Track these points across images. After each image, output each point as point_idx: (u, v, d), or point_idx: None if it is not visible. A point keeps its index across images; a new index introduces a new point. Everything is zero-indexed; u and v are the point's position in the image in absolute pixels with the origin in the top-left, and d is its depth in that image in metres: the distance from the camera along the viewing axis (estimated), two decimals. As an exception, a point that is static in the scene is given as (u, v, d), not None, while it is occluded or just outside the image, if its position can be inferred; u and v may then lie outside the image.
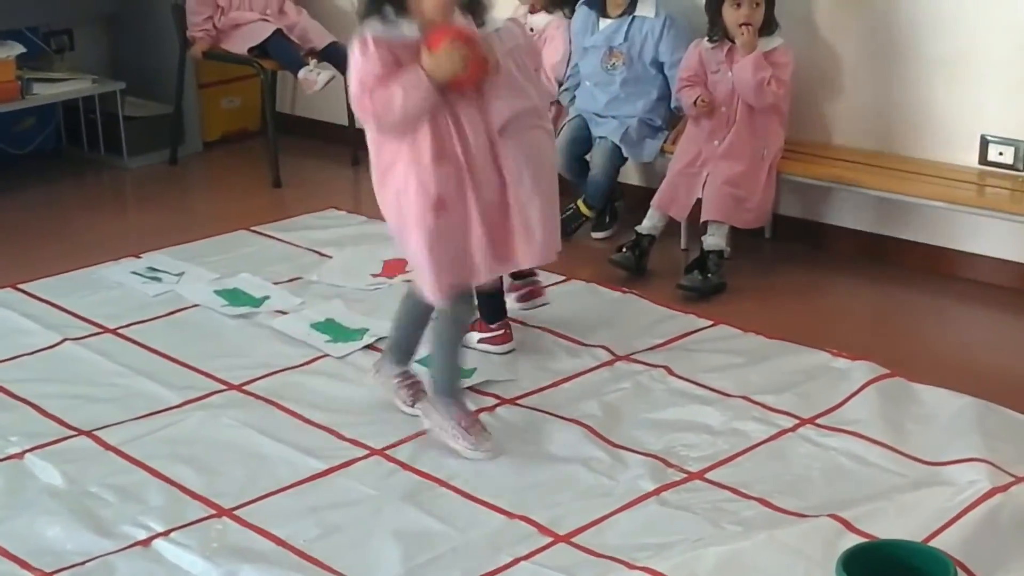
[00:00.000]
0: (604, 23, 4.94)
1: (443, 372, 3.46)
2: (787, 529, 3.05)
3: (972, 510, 3.08)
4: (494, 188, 3.24)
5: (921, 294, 4.45)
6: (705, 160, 4.64)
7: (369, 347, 4.06)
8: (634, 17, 4.89)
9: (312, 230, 5.16)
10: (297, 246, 4.98)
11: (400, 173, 3.20)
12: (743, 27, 4.52)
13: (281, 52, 5.78)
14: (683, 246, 4.89)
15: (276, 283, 4.58)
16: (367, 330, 4.16)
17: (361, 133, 5.85)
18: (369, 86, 3.11)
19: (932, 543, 2.93)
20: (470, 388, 3.67)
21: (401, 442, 3.48)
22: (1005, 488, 3.17)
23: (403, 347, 3.62)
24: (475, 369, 3.82)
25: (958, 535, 2.98)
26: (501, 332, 3.99)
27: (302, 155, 6.15)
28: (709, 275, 4.51)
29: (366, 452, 3.44)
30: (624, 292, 4.48)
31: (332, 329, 4.19)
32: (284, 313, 4.33)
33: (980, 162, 4.47)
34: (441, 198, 3.17)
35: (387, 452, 3.44)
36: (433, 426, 3.46)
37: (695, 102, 4.64)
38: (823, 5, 4.73)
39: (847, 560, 2.69)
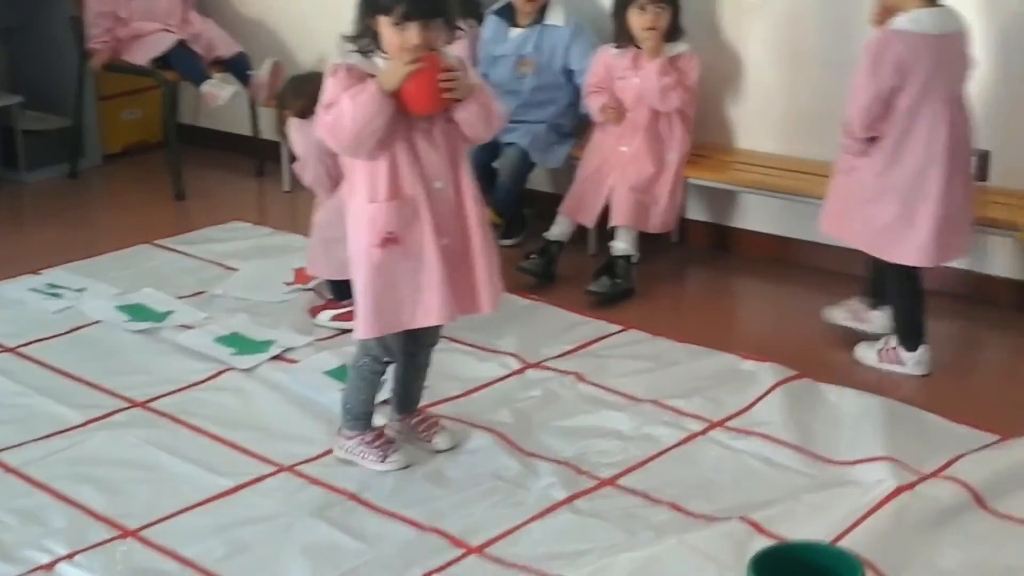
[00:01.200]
0: (514, 32, 4.94)
1: (353, 403, 3.40)
2: (698, 533, 3.05)
3: (879, 509, 3.12)
4: (455, 227, 3.20)
5: (828, 295, 4.47)
6: (612, 166, 4.65)
7: (277, 358, 4.00)
8: (544, 26, 4.89)
9: (216, 243, 5.10)
10: (201, 259, 4.91)
11: (357, 203, 3.17)
12: (648, 31, 4.54)
13: (184, 64, 5.70)
14: (592, 252, 4.90)
15: (180, 297, 4.51)
16: (273, 341, 4.11)
17: (266, 143, 5.93)
18: (328, 104, 3.07)
19: (841, 543, 2.96)
20: (384, 402, 3.62)
21: (312, 459, 3.43)
22: (911, 486, 3.20)
23: (359, 412, 3.44)
24: (384, 380, 3.77)
25: (866, 535, 3.01)
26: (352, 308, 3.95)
27: (206, 167, 6.07)
28: (617, 280, 4.51)
29: (274, 468, 3.39)
30: (534, 299, 4.47)
31: (237, 342, 4.13)
32: (189, 328, 4.26)
33: (978, 179, 4.47)
34: (391, 234, 3.12)
35: (296, 468, 3.39)
36: (344, 453, 3.42)
37: (602, 108, 4.64)
38: (728, 11, 4.76)
39: (757, 562, 2.69)
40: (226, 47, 5.83)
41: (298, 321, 4.30)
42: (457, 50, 4.31)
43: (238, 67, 5.78)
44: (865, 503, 3.15)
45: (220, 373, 3.94)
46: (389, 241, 3.12)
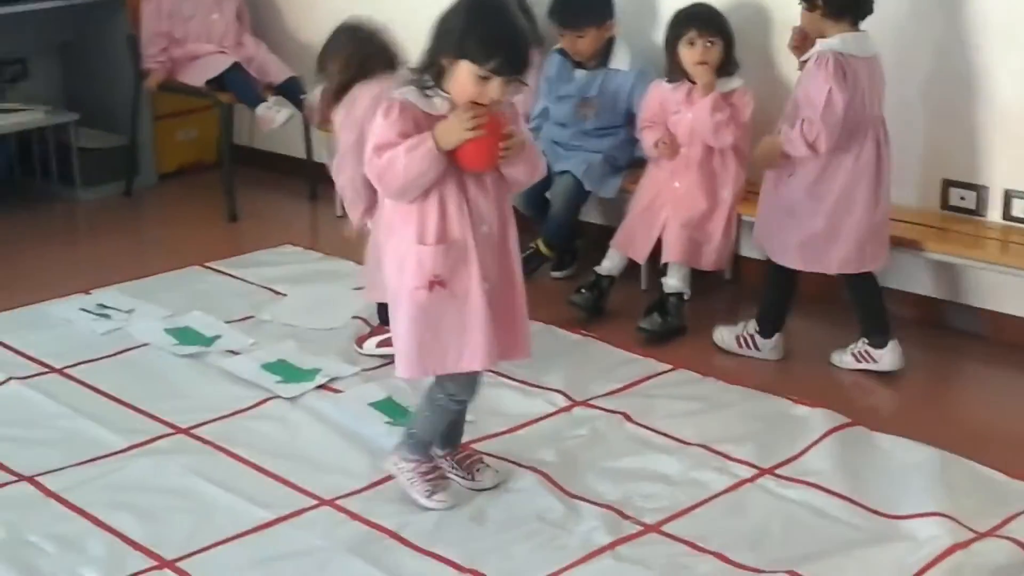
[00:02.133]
0: (579, 73, 4.89)
1: (420, 432, 3.35)
2: (744, 586, 2.99)
3: (932, 568, 3.03)
4: (498, 272, 3.16)
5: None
6: (665, 201, 4.59)
7: (322, 387, 3.97)
8: (608, 70, 4.84)
9: (267, 266, 5.08)
10: (251, 283, 4.90)
11: (401, 243, 3.12)
12: (699, 66, 4.48)
13: (239, 86, 5.70)
14: (643, 287, 4.83)
15: (228, 321, 4.50)
16: (319, 370, 4.08)
17: (319, 167, 5.91)
18: (380, 147, 3.02)
19: (892, 601, 2.88)
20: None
21: (353, 492, 3.39)
22: (966, 544, 3.12)
23: (422, 440, 3.39)
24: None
25: (918, 593, 2.94)
26: None
27: (259, 189, 6.07)
28: (668, 317, 4.45)
29: (315, 502, 3.35)
30: (582, 334, 4.42)
31: (283, 370, 4.10)
32: (235, 353, 4.24)
33: (942, 207, 4.44)
34: (438, 277, 3.08)
35: (337, 502, 3.35)
36: (396, 471, 3.38)
37: (656, 144, 4.59)
38: (782, 46, 4.68)
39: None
40: (278, 72, 5.83)
41: (346, 350, 4.26)
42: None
43: (291, 91, 5.77)
44: (917, 560, 3.07)
45: (265, 401, 3.91)
46: (436, 284, 3.08)
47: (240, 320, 4.52)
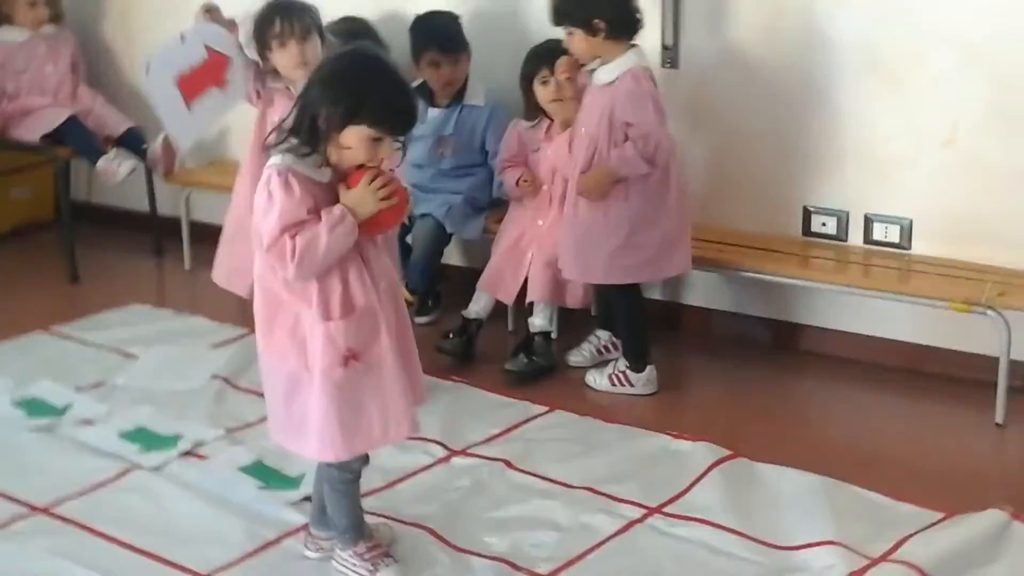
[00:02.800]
0: (433, 112, 4.80)
1: (345, 522, 3.15)
2: (647, 631, 2.91)
3: (832, 598, 3.00)
4: (399, 325, 3.02)
5: (758, 369, 4.41)
6: (530, 240, 4.53)
7: (187, 454, 3.79)
8: (463, 106, 4.77)
9: (115, 328, 4.85)
10: (100, 346, 4.67)
11: (303, 321, 2.92)
12: (554, 104, 4.43)
13: (78, 139, 5.47)
14: (510, 328, 4.76)
15: (79, 389, 4.27)
16: (181, 436, 3.89)
17: (164, 220, 5.70)
18: (288, 227, 2.83)
19: (796, 636, 2.84)
20: (305, 499, 3.43)
21: (231, 564, 3.22)
22: (862, 573, 3.10)
23: (346, 525, 3.18)
24: (303, 475, 3.58)
25: (822, 625, 2.90)
26: None
27: (100, 246, 5.81)
28: (535, 357, 4.38)
29: (190, 576, 3.18)
30: (454, 380, 4.31)
31: (143, 437, 3.90)
32: (90, 422, 4.02)
33: (804, 233, 4.47)
34: (352, 351, 2.91)
35: (213, 575, 3.18)
36: (336, 564, 3.18)
37: (517, 182, 4.52)
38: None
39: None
40: (117, 123, 5.61)
41: (207, 411, 4.08)
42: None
43: (131, 142, 5.57)
44: (816, 592, 3.03)
45: (126, 472, 3.70)
46: (351, 358, 2.91)
47: (92, 387, 4.30)
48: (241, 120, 5.43)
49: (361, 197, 2.87)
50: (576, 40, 4.03)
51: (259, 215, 2.87)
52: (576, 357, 4.45)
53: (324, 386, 2.91)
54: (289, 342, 2.93)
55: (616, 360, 4.29)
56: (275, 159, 2.87)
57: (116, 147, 5.49)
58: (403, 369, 2.99)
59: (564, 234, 4.23)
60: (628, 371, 4.24)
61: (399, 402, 2.98)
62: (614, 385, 4.24)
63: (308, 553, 3.26)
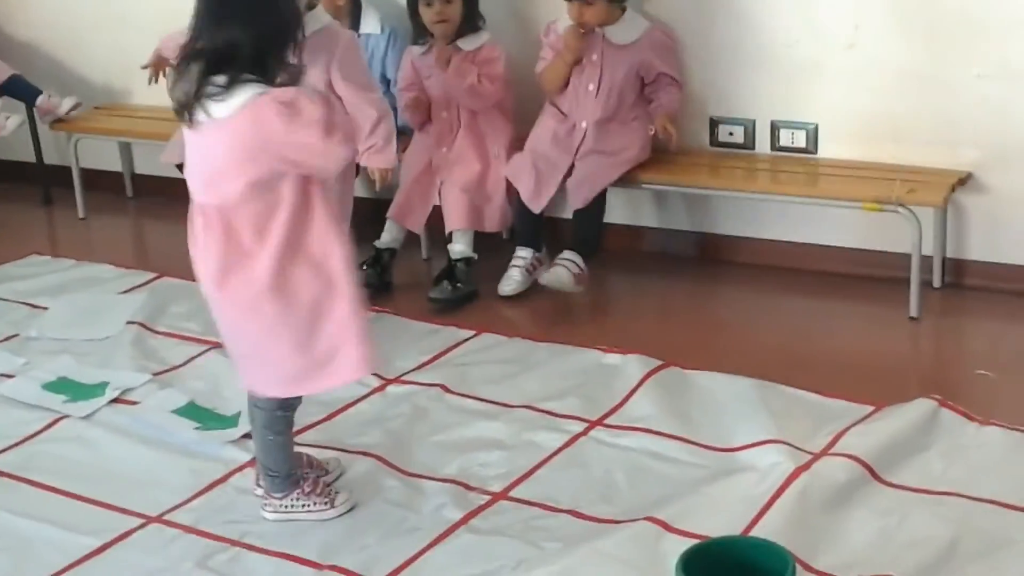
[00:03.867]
0: None
1: (278, 465, 3.09)
2: (607, 539, 2.95)
3: (782, 494, 3.07)
4: None
5: (681, 281, 4.47)
6: (437, 167, 4.51)
7: (115, 401, 3.72)
8: (359, 35, 4.70)
9: (17, 280, 4.72)
10: (5, 300, 4.54)
11: (310, 254, 2.84)
12: (438, 25, 4.41)
13: None
14: (425, 256, 4.74)
15: (-9, 343, 4.16)
16: (107, 383, 3.82)
17: (53, 169, 5.54)
18: (334, 120, 2.76)
19: (753, 532, 2.91)
20: (245, 436, 3.40)
21: (180, 505, 3.19)
22: (807, 466, 3.18)
23: (288, 470, 3.12)
24: (239, 413, 3.54)
25: (776, 521, 2.97)
26: None
27: (-11, 201, 5.65)
28: (458, 284, 4.38)
29: (141, 521, 3.13)
30: (376, 311, 4.28)
31: (67, 387, 3.82)
32: (9, 376, 3.92)
33: (711, 143, 4.53)
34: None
35: (165, 518, 3.14)
36: (284, 515, 3.11)
37: (406, 104, 4.49)
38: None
39: (685, 563, 2.61)
40: None
41: (129, 357, 4.00)
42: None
43: (13, 91, 5.39)
44: (765, 489, 3.10)
45: (56, 422, 3.63)
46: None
47: (4, 340, 4.19)
48: (122, 60, 5.33)
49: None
50: (598, 8, 4.24)
51: (288, 128, 2.71)
52: (508, 286, 4.39)
53: (353, 292, 2.86)
54: (307, 269, 2.84)
55: (567, 261, 4.25)
56: (255, 90, 2.73)
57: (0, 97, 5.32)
58: None
59: (579, 168, 4.34)
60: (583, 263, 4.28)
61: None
62: (579, 284, 4.26)
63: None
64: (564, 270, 4.24)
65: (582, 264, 4.27)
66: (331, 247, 2.84)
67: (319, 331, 2.87)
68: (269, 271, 2.81)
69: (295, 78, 2.81)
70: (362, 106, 3.88)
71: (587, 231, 4.37)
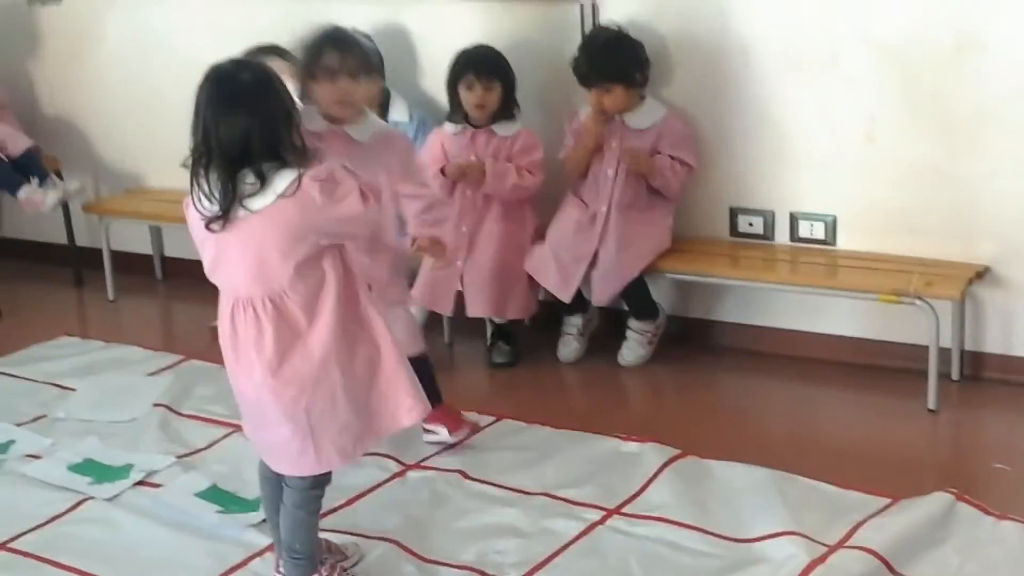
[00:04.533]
0: None
1: (305, 545, 3.10)
2: (622, 629, 2.97)
3: (798, 587, 3.09)
4: None
5: (698, 370, 4.50)
6: (456, 247, 4.56)
7: (140, 483, 3.76)
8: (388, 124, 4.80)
9: (46, 361, 4.80)
10: (33, 381, 4.61)
11: (358, 301, 2.94)
12: (477, 109, 4.50)
13: None
14: (447, 341, 4.80)
15: (19, 424, 4.22)
16: (132, 465, 3.87)
17: (84, 251, 5.64)
18: (366, 185, 2.88)
19: (768, 625, 2.92)
20: (264, 521, 3.43)
21: (199, 589, 3.23)
22: (823, 559, 3.19)
23: (312, 551, 3.14)
24: (259, 499, 3.58)
25: (791, 614, 2.98)
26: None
27: (17, 280, 5.73)
28: (514, 346, 4.60)
29: (161, 603, 3.18)
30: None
31: (93, 469, 3.87)
32: (36, 457, 3.98)
33: (731, 234, 4.58)
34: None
35: (184, 601, 3.18)
36: None
37: (447, 172, 4.53)
38: (558, 87, 4.71)
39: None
40: (15, 144, 5.42)
41: (154, 440, 4.06)
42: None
43: (27, 166, 5.40)
44: (780, 581, 3.12)
45: (80, 503, 3.68)
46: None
47: (32, 421, 4.26)
48: (153, 144, 5.45)
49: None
50: (617, 96, 4.36)
51: (331, 202, 2.80)
52: (567, 352, 4.63)
53: (393, 339, 2.97)
54: (359, 329, 2.93)
55: (635, 333, 4.56)
56: (291, 174, 2.80)
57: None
58: None
59: (602, 259, 4.44)
60: (650, 325, 4.54)
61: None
62: (651, 343, 4.56)
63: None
64: (636, 344, 4.51)
65: (649, 327, 4.53)
66: (370, 308, 2.94)
67: (374, 389, 2.97)
68: (326, 344, 2.88)
69: (307, 160, 2.85)
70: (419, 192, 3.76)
71: (640, 300, 4.55)
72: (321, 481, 3.07)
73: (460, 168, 4.51)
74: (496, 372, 4.56)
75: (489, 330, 4.69)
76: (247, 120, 2.78)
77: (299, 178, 2.79)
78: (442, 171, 4.52)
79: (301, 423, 2.92)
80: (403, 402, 2.99)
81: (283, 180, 2.79)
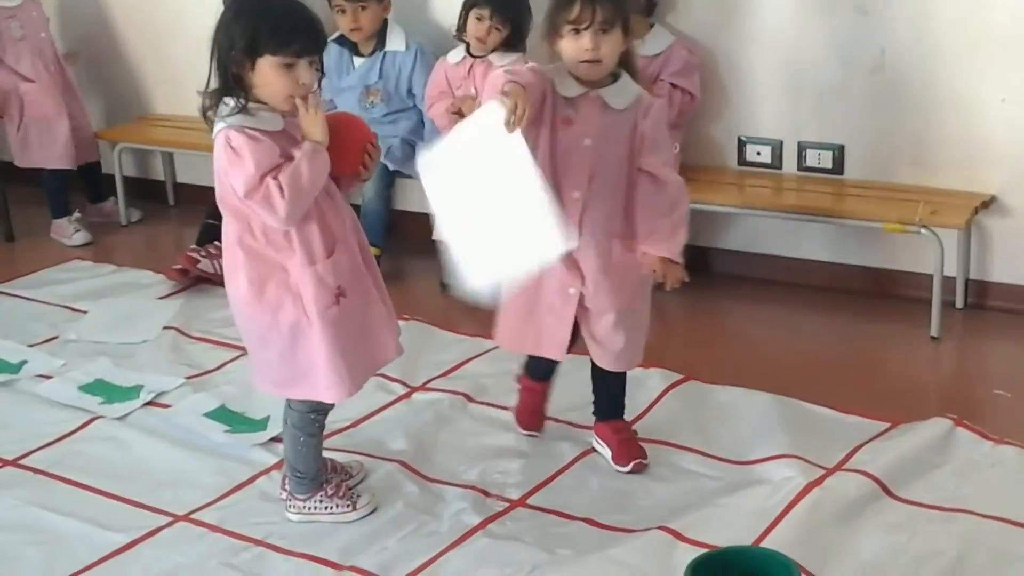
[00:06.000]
0: (358, 62, 4.86)
1: (305, 467, 3.18)
2: (619, 547, 3.02)
3: (794, 507, 3.13)
4: (368, 261, 3.09)
5: (702, 297, 4.53)
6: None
7: (149, 404, 3.82)
8: (385, 53, 4.82)
9: (59, 284, 4.86)
10: (47, 303, 4.67)
11: (287, 282, 2.95)
12: (477, 41, 4.51)
13: (56, 189, 5.49)
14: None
15: (31, 345, 4.28)
16: (142, 386, 3.93)
17: (94, 166, 5.65)
18: (268, 171, 2.83)
19: (764, 544, 2.97)
20: (273, 439, 3.49)
21: (207, 505, 3.28)
22: (819, 481, 3.23)
23: (314, 472, 3.22)
24: (268, 417, 3.64)
25: (786, 533, 3.02)
26: None
27: (32, 205, 5.76)
28: None
29: (169, 519, 3.22)
30: (404, 319, 4.34)
31: (103, 389, 3.93)
32: (47, 377, 4.03)
33: (739, 163, 4.59)
34: (340, 288, 2.96)
35: (192, 516, 3.23)
36: (306, 517, 3.20)
37: (446, 110, 4.55)
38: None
39: (694, 570, 2.68)
40: (85, 147, 5.56)
41: (164, 361, 4.11)
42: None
43: (90, 178, 5.63)
44: (777, 502, 3.16)
45: (90, 422, 3.74)
46: (340, 296, 2.96)
47: (44, 342, 4.31)
48: (159, 72, 5.46)
49: (306, 124, 2.90)
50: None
51: (228, 172, 2.87)
52: None
53: (324, 328, 2.96)
54: (284, 294, 2.95)
55: None
56: (219, 124, 2.88)
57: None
58: (381, 297, 3.09)
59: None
60: None
61: (385, 324, 3.09)
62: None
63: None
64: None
65: None
66: (306, 288, 2.94)
67: (297, 350, 2.99)
68: (236, 295, 2.99)
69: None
70: (666, 179, 3.20)
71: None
72: (319, 407, 3.13)
73: (455, 106, 4.51)
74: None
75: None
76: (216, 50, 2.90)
77: (226, 129, 2.86)
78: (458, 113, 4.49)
79: (246, 340, 3.11)
80: (325, 377, 3.01)
81: (219, 122, 2.88)
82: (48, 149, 5.41)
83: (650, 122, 3.15)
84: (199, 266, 4.72)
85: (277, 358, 3.02)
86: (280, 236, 2.93)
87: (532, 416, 3.59)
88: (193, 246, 4.82)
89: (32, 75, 5.34)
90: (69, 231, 5.38)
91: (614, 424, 3.46)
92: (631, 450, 3.39)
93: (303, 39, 2.88)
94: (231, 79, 2.88)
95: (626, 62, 3.19)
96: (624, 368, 3.40)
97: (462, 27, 4.56)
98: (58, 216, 5.44)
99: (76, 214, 5.44)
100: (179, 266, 4.72)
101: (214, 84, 2.92)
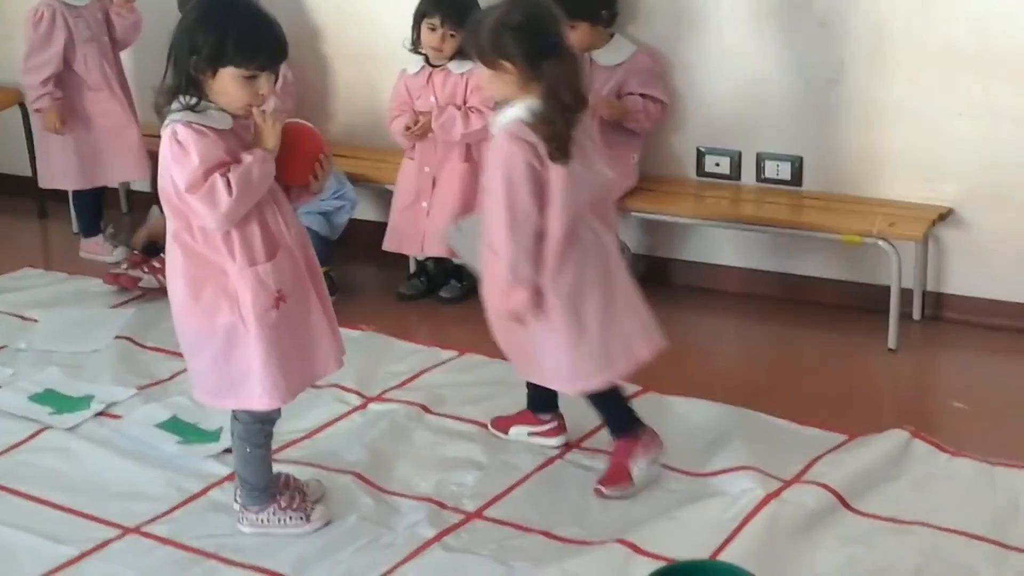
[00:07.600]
0: None
1: (255, 478, 3.14)
2: (576, 559, 3.01)
3: (752, 520, 3.12)
4: (312, 268, 3.05)
5: (660, 308, 4.49)
6: (421, 190, 4.56)
7: (100, 414, 3.76)
8: None
9: (9, 292, 4.78)
10: (-4, 312, 4.61)
11: (224, 285, 2.91)
12: (434, 51, 4.48)
13: (89, 209, 5.27)
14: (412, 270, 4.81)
15: (-20, 354, 4.21)
16: (92, 396, 3.86)
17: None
18: (213, 168, 2.80)
19: (721, 557, 2.95)
20: (226, 451, 3.44)
21: (157, 518, 3.23)
22: (777, 493, 3.23)
23: (265, 483, 3.17)
24: (221, 428, 3.59)
25: (743, 546, 3.02)
26: (554, 425, 3.61)
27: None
28: (464, 282, 4.54)
29: (119, 532, 3.17)
30: (360, 330, 4.32)
31: (53, 399, 3.87)
32: (-3, 387, 3.97)
33: (698, 174, 4.59)
34: (281, 292, 2.92)
35: (143, 529, 3.18)
36: (259, 530, 3.15)
37: (406, 128, 4.53)
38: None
39: (651, 585, 2.66)
40: (132, 163, 5.18)
41: (115, 371, 4.05)
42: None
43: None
44: (735, 514, 3.15)
45: (40, 432, 3.67)
46: (280, 300, 2.92)
47: (-8, 351, 4.25)
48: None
49: (263, 133, 2.89)
50: (582, 32, 4.27)
51: (171, 166, 2.85)
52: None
53: (261, 332, 2.92)
54: (221, 297, 2.92)
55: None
56: (171, 117, 2.86)
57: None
58: (324, 309, 3.05)
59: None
60: None
61: (326, 337, 3.05)
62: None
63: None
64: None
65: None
66: (244, 290, 2.90)
67: (232, 357, 2.95)
68: (181, 291, 2.95)
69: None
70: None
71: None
72: (264, 417, 3.09)
73: (408, 127, 4.51)
74: (459, 307, 4.56)
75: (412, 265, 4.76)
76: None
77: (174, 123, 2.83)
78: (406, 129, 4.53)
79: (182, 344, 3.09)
80: (260, 384, 2.97)
81: (168, 116, 2.86)
82: (123, 158, 5.14)
83: None
84: (141, 284, 4.66)
85: (210, 365, 2.98)
86: (218, 236, 2.89)
87: None
88: (135, 251, 4.84)
89: (100, 81, 5.08)
90: (108, 248, 5.21)
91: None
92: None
93: (267, 53, 2.87)
94: (187, 80, 2.85)
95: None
96: None
97: (416, 39, 4.53)
98: (91, 234, 5.26)
99: (110, 229, 5.29)
100: (117, 271, 4.72)
101: (169, 81, 2.88)
